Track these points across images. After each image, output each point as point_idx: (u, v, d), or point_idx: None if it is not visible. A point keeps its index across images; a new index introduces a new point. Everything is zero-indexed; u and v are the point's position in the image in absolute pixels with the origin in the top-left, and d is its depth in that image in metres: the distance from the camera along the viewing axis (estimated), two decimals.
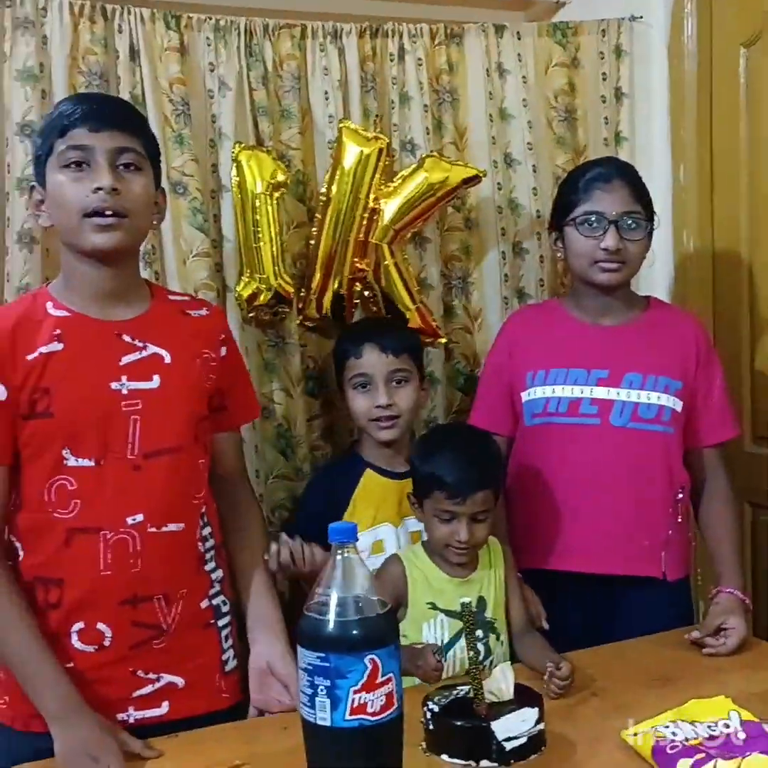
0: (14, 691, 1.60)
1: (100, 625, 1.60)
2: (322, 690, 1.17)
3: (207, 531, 1.72)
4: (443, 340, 2.36)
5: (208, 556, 1.72)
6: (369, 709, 1.17)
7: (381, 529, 2.04)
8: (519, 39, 2.43)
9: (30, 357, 1.57)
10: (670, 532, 2.04)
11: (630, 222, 2.01)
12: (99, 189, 1.54)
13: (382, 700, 1.18)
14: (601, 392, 2.02)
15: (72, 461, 1.58)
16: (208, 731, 1.59)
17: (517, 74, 2.43)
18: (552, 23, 2.50)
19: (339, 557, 1.20)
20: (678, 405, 2.03)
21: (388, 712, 1.19)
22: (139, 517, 1.60)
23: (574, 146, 2.48)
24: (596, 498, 2.01)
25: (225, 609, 1.74)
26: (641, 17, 2.52)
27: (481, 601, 1.85)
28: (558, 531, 2.03)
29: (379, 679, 1.18)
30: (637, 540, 2.02)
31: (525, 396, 2.08)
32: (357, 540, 1.21)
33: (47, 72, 2.00)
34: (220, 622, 1.73)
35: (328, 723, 1.18)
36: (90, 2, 2.04)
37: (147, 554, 1.60)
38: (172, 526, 1.63)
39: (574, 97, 2.49)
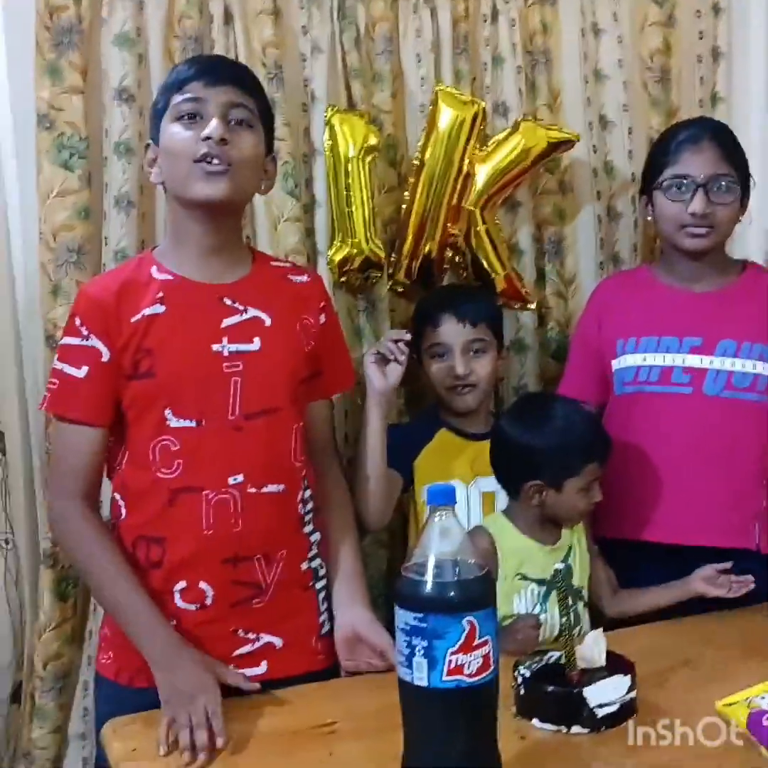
0: (119, 646, 1.65)
1: (202, 584, 1.62)
2: (419, 650, 1.18)
3: (308, 493, 1.74)
4: (533, 306, 2.34)
5: (307, 518, 1.73)
6: (466, 671, 1.18)
7: (450, 484, 2.03)
8: None
9: (134, 319, 1.60)
10: (765, 503, 2.01)
11: (719, 185, 1.96)
12: (208, 138, 1.56)
13: (478, 662, 1.18)
14: (693, 360, 1.99)
15: (174, 422, 1.61)
16: (302, 689, 1.62)
17: (613, 34, 2.37)
18: None
19: (437, 519, 1.20)
20: None
21: (485, 674, 1.19)
22: (240, 478, 1.62)
23: (668, 107, 2.42)
24: (688, 468, 1.99)
25: (322, 572, 1.76)
26: None
27: (569, 568, 1.85)
28: (649, 501, 2.01)
29: (476, 642, 1.18)
30: (730, 511, 1.98)
31: (616, 364, 2.06)
32: (455, 503, 1.21)
33: (144, 36, 2.01)
34: (318, 585, 1.75)
35: (425, 683, 1.19)
36: None
37: (247, 514, 1.63)
38: (272, 487, 1.65)
39: (670, 56, 2.42)
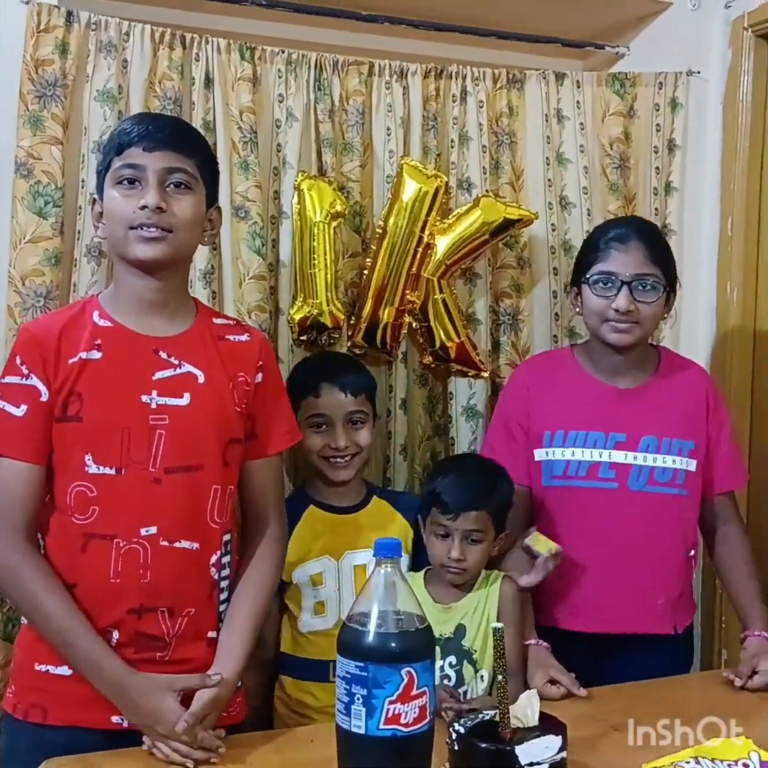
0: (18, 680, 1.68)
1: (108, 628, 1.62)
2: (358, 698, 1.21)
3: (226, 560, 1.72)
4: (486, 375, 2.41)
5: (222, 585, 1.71)
6: (403, 720, 1.21)
7: (319, 562, 2.03)
8: (578, 87, 2.50)
9: (71, 361, 1.62)
10: (681, 588, 2.08)
11: (644, 284, 2.00)
12: (145, 206, 1.60)
13: (415, 712, 1.22)
14: (619, 456, 2.05)
15: (93, 468, 1.61)
16: (237, 738, 1.62)
17: (575, 121, 2.49)
18: (611, 73, 2.57)
19: (382, 571, 1.24)
20: (691, 466, 2.06)
21: (421, 724, 1.23)
22: (153, 530, 1.62)
23: (625, 193, 2.53)
24: (612, 560, 2.04)
25: None
26: (699, 72, 2.57)
27: (460, 628, 1.91)
28: (573, 591, 2.06)
29: (414, 692, 1.22)
30: (651, 600, 2.05)
31: (542, 454, 2.09)
32: (401, 555, 1.26)
33: (125, 94, 2.10)
34: None
35: (362, 731, 1.22)
36: (170, 30, 2.13)
37: (157, 567, 1.62)
38: (185, 543, 1.64)
39: (628, 145, 2.55)
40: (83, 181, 2.07)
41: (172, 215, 1.62)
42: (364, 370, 2.19)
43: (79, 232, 2.07)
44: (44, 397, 1.61)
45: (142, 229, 1.61)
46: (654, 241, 2.06)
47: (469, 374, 2.41)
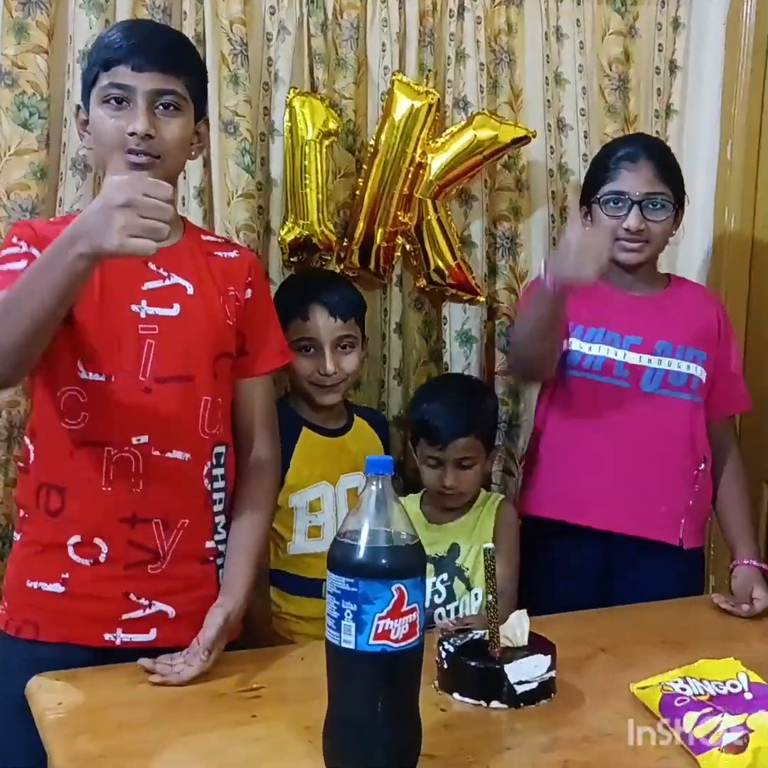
0: (10, 595, 1.67)
1: (97, 540, 1.62)
2: (348, 614, 1.20)
3: (219, 472, 1.72)
4: (481, 299, 2.38)
5: (215, 497, 1.72)
6: (392, 636, 1.20)
7: (318, 487, 2.03)
8: (578, 4, 2.43)
9: None
10: (691, 501, 2.08)
11: (654, 202, 2.03)
12: (133, 133, 1.58)
13: (405, 628, 1.21)
14: (633, 357, 2.06)
15: (84, 374, 1.61)
16: (228, 656, 1.62)
17: (575, 39, 2.44)
18: None
19: (373, 488, 1.23)
20: (704, 375, 2.07)
21: (411, 640, 1.22)
22: (144, 439, 1.62)
23: (624, 115, 2.49)
24: (621, 459, 2.05)
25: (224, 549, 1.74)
26: None
27: (454, 547, 1.94)
28: (580, 485, 2.06)
29: (404, 608, 1.21)
30: (657, 505, 2.05)
31: (564, 343, 2.10)
32: (392, 472, 1.24)
33: (112, 2, 2.02)
34: (219, 561, 1.73)
35: (352, 646, 1.21)
36: None
37: (149, 477, 1.63)
38: (177, 454, 1.65)
39: (629, 66, 2.49)
40: (68, 91, 2.02)
41: (161, 141, 1.60)
42: (355, 291, 2.15)
43: (64, 145, 2.02)
44: None
45: (130, 153, 1.58)
46: (663, 158, 2.08)
47: (465, 299, 2.38)
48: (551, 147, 2.43)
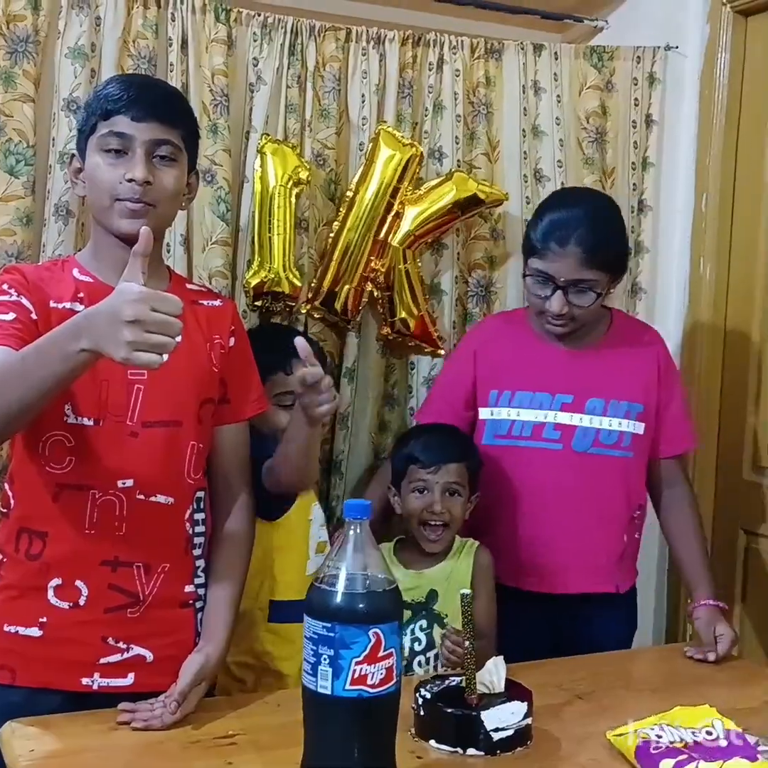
0: None
1: (78, 583, 1.62)
2: (325, 659, 1.21)
3: (200, 517, 1.74)
4: (442, 353, 2.40)
5: (196, 541, 1.73)
6: (369, 681, 1.21)
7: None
8: (556, 59, 2.49)
9: (56, 305, 1.61)
10: (625, 550, 2.10)
11: (579, 289, 1.97)
12: (132, 180, 1.60)
13: (382, 674, 1.22)
14: (564, 418, 2.06)
15: (72, 418, 1.61)
16: (202, 703, 1.60)
17: (552, 93, 2.49)
18: (589, 46, 2.57)
19: (351, 533, 1.24)
20: (639, 428, 2.07)
21: (388, 685, 1.23)
22: (130, 482, 1.63)
23: (602, 167, 2.54)
24: (556, 520, 2.06)
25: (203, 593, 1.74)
26: (677, 47, 2.57)
27: (432, 594, 1.94)
28: (519, 551, 2.08)
29: (381, 653, 1.21)
30: (594, 560, 2.08)
31: (487, 413, 2.11)
32: (370, 517, 1.25)
33: (98, 52, 2.06)
34: (198, 605, 1.73)
35: (328, 691, 1.21)
36: None
37: (132, 520, 1.63)
38: (161, 498, 1.65)
39: (606, 119, 2.54)
40: (53, 139, 2.04)
41: (158, 189, 1.62)
42: (320, 347, 2.19)
43: (48, 191, 2.04)
44: (33, 316, 1.58)
45: (126, 201, 1.61)
46: (596, 240, 1.96)
47: (426, 351, 2.40)
48: (527, 197, 2.47)
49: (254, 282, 2.22)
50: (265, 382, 1.94)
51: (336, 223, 2.30)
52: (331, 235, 2.30)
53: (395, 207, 2.29)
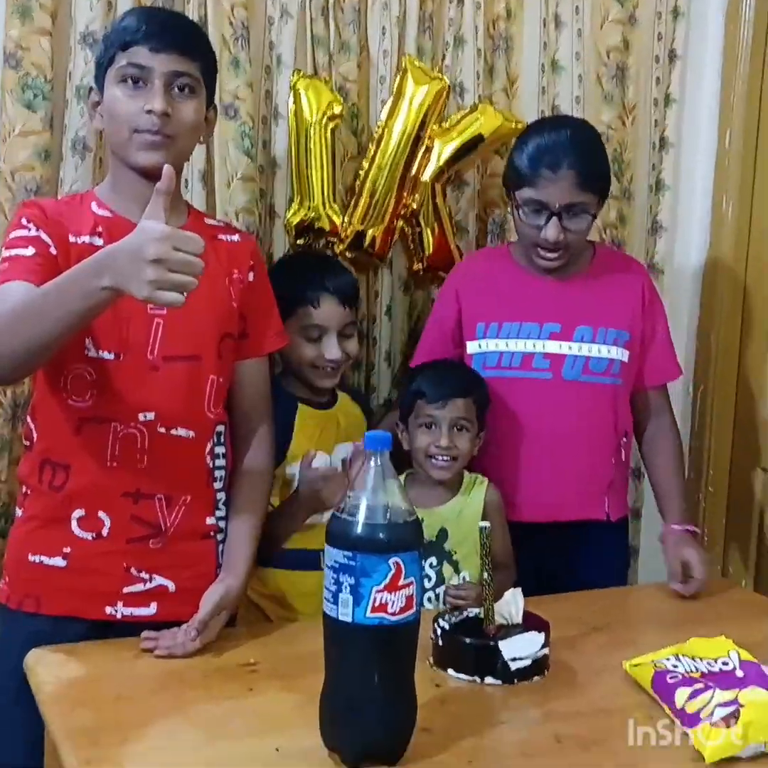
0: (12, 570, 1.69)
1: (101, 514, 1.65)
2: (346, 587, 1.22)
3: (220, 450, 1.75)
4: None
5: (217, 474, 1.75)
6: (389, 609, 1.22)
7: (318, 459, 2.01)
8: None
9: (73, 239, 1.62)
10: (614, 475, 2.12)
11: (573, 211, 1.96)
12: (150, 111, 1.60)
13: (402, 602, 1.23)
14: (553, 346, 2.05)
15: (92, 352, 1.62)
16: (224, 631, 1.64)
17: (573, 27, 2.43)
18: None
19: (372, 464, 1.25)
20: (625, 356, 2.07)
21: (407, 613, 1.24)
22: (151, 416, 1.64)
23: (622, 103, 2.49)
24: (547, 449, 2.06)
25: (224, 525, 1.77)
26: None
27: (442, 533, 1.94)
28: (511, 481, 2.08)
29: (402, 582, 1.22)
30: (585, 486, 2.09)
31: (475, 346, 2.09)
32: (391, 448, 1.26)
33: None
34: (219, 537, 1.75)
35: (349, 619, 1.22)
36: None
37: (154, 453, 1.65)
38: (181, 431, 1.67)
39: (627, 54, 2.48)
40: (70, 73, 2.02)
41: (176, 121, 1.62)
42: (355, 280, 2.17)
43: (65, 126, 2.03)
44: (53, 251, 1.59)
45: (145, 133, 1.60)
46: (587, 161, 1.97)
47: None
48: None
49: (295, 220, 2.21)
50: (292, 314, 1.96)
51: (365, 161, 2.27)
52: (360, 171, 2.27)
53: (424, 141, 2.26)
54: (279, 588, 1.99)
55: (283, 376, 2.10)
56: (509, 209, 2.12)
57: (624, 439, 2.13)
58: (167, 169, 1.39)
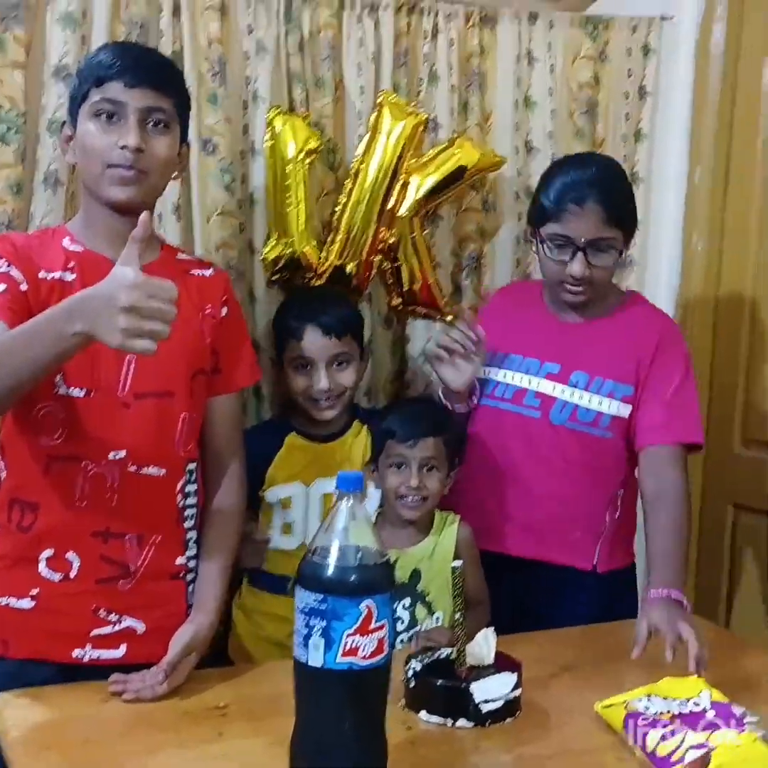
0: None
1: (70, 555, 1.63)
2: (317, 630, 1.21)
3: (191, 488, 1.74)
4: (449, 319, 2.38)
5: (187, 513, 1.73)
6: (360, 653, 1.21)
7: (291, 486, 2.06)
8: (551, 28, 2.45)
9: (46, 276, 1.61)
10: (606, 527, 2.06)
11: (600, 247, 1.94)
12: (124, 147, 1.59)
13: (373, 645, 1.22)
14: (547, 386, 2.04)
15: (63, 389, 1.61)
16: (194, 673, 1.62)
17: (545, 63, 2.45)
18: (584, 15, 2.52)
19: (343, 504, 1.24)
20: (624, 410, 2.01)
21: (378, 657, 1.23)
22: (122, 454, 1.63)
23: (592, 139, 2.51)
24: (530, 487, 2.06)
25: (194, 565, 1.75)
26: (672, 17, 2.54)
27: (415, 573, 1.93)
28: (500, 513, 2.07)
29: (373, 625, 1.22)
30: (569, 533, 2.05)
31: (482, 372, 2.09)
32: (363, 489, 1.25)
33: (89, 18, 2.02)
34: (188, 577, 1.73)
35: (319, 664, 1.22)
36: None
37: (124, 492, 1.63)
38: (152, 469, 1.66)
39: (598, 90, 2.51)
40: (43, 107, 2.01)
41: (150, 157, 1.62)
42: (350, 308, 2.17)
43: (37, 160, 2.02)
44: (23, 287, 1.58)
45: (118, 168, 1.60)
46: (613, 196, 1.95)
47: (435, 319, 2.39)
48: (518, 169, 2.45)
49: (272, 256, 2.21)
50: (285, 346, 2.05)
51: (342, 196, 2.27)
52: (336, 208, 2.28)
53: (401, 176, 2.26)
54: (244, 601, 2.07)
55: (285, 408, 2.12)
56: (534, 248, 2.10)
57: (621, 492, 2.07)
58: (144, 216, 1.39)
